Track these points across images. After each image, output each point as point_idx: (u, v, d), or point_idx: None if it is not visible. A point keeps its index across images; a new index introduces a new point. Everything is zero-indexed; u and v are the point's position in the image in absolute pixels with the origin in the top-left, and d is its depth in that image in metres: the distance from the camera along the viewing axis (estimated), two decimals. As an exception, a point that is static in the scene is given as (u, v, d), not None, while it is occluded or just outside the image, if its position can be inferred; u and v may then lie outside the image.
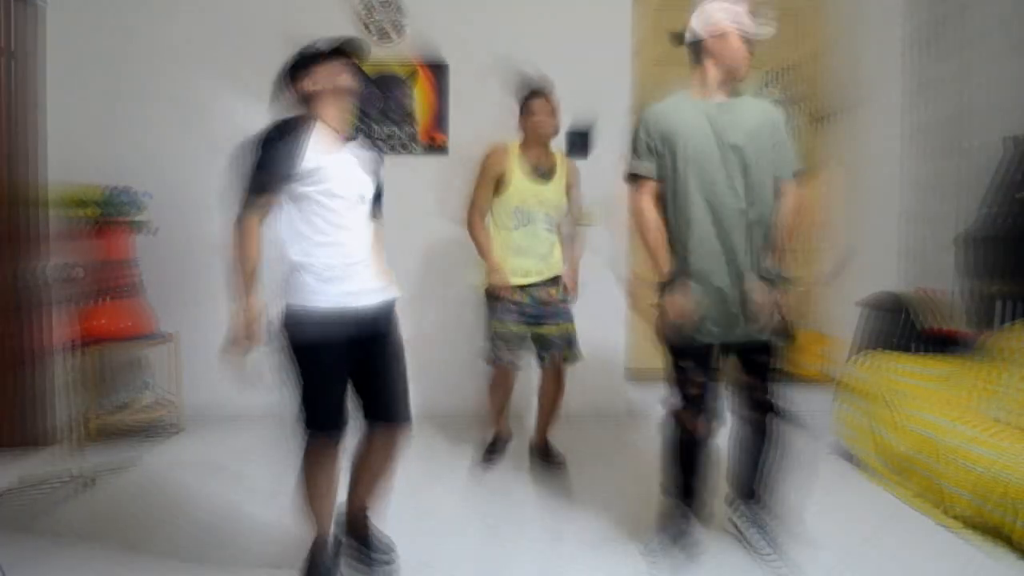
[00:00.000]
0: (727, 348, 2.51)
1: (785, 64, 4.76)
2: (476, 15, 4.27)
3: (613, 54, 4.32)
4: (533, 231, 3.28)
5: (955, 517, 2.80)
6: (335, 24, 4.20)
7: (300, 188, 2.27)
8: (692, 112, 2.45)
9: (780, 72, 4.76)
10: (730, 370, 2.56)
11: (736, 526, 2.68)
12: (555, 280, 3.35)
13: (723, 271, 2.42)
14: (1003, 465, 2.59)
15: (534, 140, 3.32)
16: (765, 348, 2.51)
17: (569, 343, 3.37)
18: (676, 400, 2.52)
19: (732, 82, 2.48)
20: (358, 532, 2.53)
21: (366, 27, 4.22)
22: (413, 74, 4.24)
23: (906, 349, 3.89)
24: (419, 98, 4.26)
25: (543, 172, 3.33)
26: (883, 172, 4.45)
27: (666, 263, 2.47)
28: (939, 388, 3.48)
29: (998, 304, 3.81)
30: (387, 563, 2.47)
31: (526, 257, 3.28)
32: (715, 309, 2.43)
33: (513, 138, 3.41)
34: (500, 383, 3.41)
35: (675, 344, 2.48)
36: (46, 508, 2.89)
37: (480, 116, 4.26)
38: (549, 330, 3.32)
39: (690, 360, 2.48)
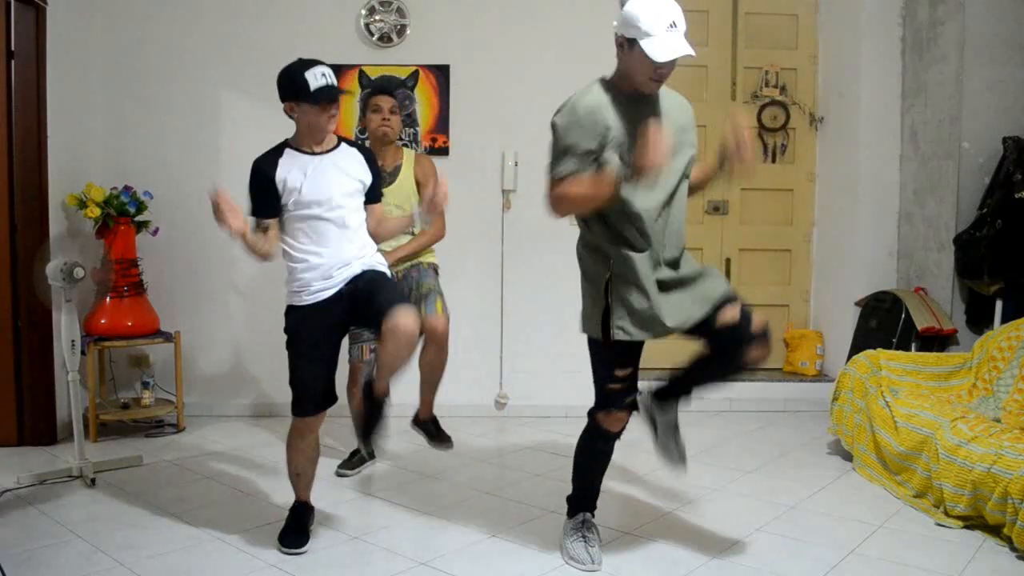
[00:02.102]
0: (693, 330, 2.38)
1: (783, 66, 4.78)
2: (477, 17, 4.28)
3: (612, 57, 4.32)
4: None
5: (955, 517, 2.81)
6: (337, 27, 4.22)
7: (286, 211, 2.50)
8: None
9: (778, 74, 4.78)
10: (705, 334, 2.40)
11: (652, 419, 2.54)
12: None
13: (648, 266, 2.30)
14: (1002, 464, 2.60)
15: (374, 141, 3.34)
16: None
17: (419, 298, 3.25)
18: (600, 402, 2.45)
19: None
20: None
21: (367, 29, 4.24)
22: (414, 76, 4.25)
23: (904, 349, 3.91)
24: (421, 100, 4.27)
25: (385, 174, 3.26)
26: (881, 173, 4.47)
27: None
28: (937, 387, 3.49)
29: (997, 304, 3.82)
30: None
31: None
32: (648, 307, 2.29)
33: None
34: (352, 372, 3.33)
35: (608, 351, 2.38)
36: (47, 507, 2.89)
37: (482, 118, 4.27)
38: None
39: (619, 354, 2.38)
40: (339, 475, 3.36)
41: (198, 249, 4.25)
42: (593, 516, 2.62)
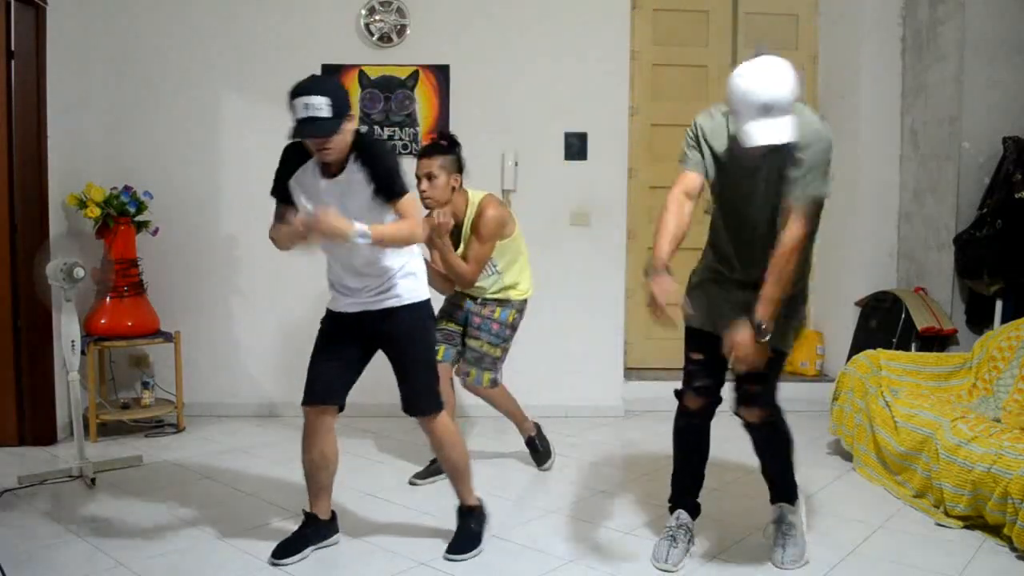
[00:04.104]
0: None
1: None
2: (477, 17, 4.28)
3: (612, 56, 4.33)
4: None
5: (955, 517, 2.81)
6: (337, 27, 4.22)
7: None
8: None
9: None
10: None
11: (766, 532, 2.63)
12: (496, 302, 3.27)
13: (728, 277, 2.45)
14: (1002, 464, 2.60)
15: None
16: None
17: (477, 362, 3.25)
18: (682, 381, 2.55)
19: None
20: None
21: (367, 29, 4.24)
22: (414, 76, 4.26)
23: (904, 349, 3.91)
24: (421, 100, 4.28)
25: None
26: (881, 173, 4.47)
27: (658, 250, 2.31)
28: (937, 387, 3.49)
29: (997, 304, 3.82)
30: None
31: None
32: (715, 306, 2.45)
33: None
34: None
35: (686, 331, 2.51)
36: (47, 507, 2.89)
37: (482, 118, 4.27)
38: (470, 341, 3.28)
39: (691, 338, 2.50)
40: (411, 484, 3.27)
41: (198, 249, 4.25)
42: (692, 518, 2.59)
